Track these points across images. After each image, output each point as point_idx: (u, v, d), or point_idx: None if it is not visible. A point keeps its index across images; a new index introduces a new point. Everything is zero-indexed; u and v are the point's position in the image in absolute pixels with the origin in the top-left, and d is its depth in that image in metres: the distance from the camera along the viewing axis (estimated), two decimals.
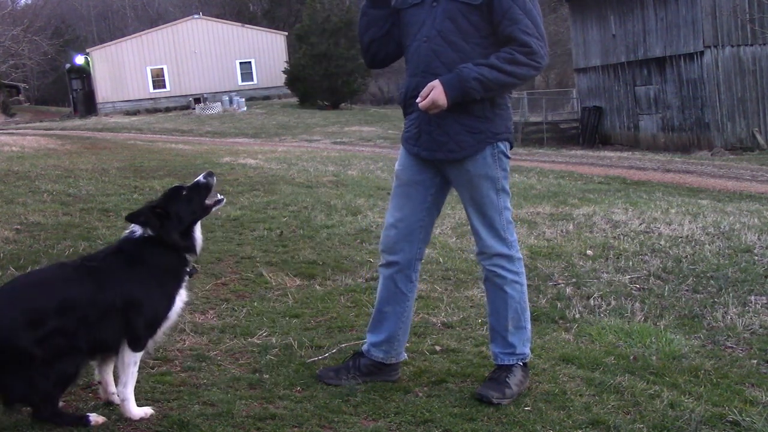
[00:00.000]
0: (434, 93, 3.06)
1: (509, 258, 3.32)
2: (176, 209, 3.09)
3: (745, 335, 4.21)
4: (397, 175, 3.45)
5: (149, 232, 3.05)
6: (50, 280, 2.96)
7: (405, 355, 3.58)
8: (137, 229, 3.08)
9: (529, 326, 3.43)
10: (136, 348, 3.01)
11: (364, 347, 3.54)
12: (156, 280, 3.06)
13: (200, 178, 3.21)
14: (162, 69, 45.68)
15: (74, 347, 2.85)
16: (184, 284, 3.16)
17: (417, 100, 3.12)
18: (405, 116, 3.41)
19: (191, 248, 3.15)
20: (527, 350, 3.42)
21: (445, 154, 3.25)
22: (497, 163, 3.26)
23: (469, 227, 3.43)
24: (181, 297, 3.15)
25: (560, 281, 5.31)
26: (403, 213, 3.40)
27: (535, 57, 3.08)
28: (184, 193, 3.14)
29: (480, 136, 3.22)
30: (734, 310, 4.60)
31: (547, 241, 6.64)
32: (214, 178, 3.23)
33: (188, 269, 3.17)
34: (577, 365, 3.70)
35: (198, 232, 3.19)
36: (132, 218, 3.10)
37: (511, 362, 3.36)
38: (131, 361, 3.01)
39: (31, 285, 2.98)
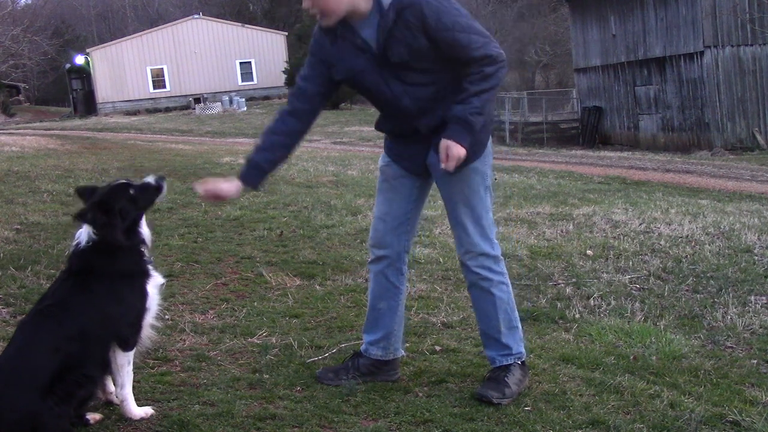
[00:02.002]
0: (453, 151, 3.06)
1: (495, 258, 3.34)
2: (121, 207, 2.97)
3: (745, 335, 4.20)
4: (382, 170, 3.48)
5: (93, 235, 2.94)
6: (24, 347, 2.83)
7: (403, 351, 3.59)
8: (81, 239, 2.98)
9: (519, 325, 3.44)
10: (126, 348, 3.00)
11: (362, 347, 3.55)
12: (119, 283, 2.99)
13: (151, 180, 3.11)
14: (162, 69, 45.70)
15: (86, 377, 2.86)
16: (150, 271, 3.09)
17: (441, 166, 3.11)
18: (393, 138, 3.40)
19: (140, 243, 3.07)
20: (522, 349, 3.43)
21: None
22: (485, 159, 3.30)
23: (451, 227, 3.42)
24: (154, 283, 3.09)
25: (560, 281, 5.31)
26: (390, 207, 3.43)
27: (497, 59, 3.09)
28: (131, 192, 3.03)
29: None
30: (734, 310, 4.60)
31: (547, 241, 6.64)
32: (165, 182, 3.13)
33: (147, 259, 3.09)
34: (577, 365, 3.70)
35: (144, 227, 3.10)
36: (80, 217, 2.95)
37: (509, 362, 3.36)
38: (124, 361, 3.00)
39: (15, 362, 2.81)
